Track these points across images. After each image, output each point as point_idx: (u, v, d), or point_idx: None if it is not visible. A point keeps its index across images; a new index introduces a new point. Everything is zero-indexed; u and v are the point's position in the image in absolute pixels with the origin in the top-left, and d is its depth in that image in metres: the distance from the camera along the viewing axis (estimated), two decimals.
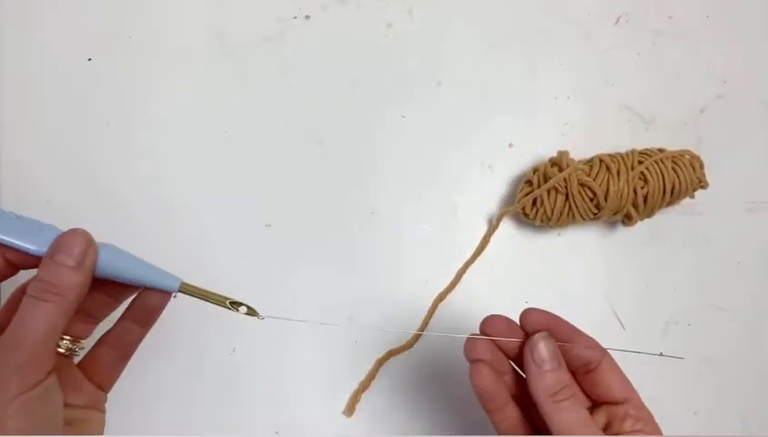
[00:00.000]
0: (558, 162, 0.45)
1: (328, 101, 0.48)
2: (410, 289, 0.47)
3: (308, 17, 0.49)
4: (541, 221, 0.46)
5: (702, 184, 0.47)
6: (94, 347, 0.34)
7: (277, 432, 0.45)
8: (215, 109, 0.48)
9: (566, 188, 0.44)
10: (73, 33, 0.47)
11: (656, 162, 0.45)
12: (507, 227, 0.49)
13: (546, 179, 0.45)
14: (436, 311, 0.47)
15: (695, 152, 0.47)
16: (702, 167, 0.47)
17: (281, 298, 0.44)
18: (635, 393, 0.35)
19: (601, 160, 0.45)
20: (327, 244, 0.47)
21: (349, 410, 0.44)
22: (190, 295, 0.32)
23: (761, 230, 0.50)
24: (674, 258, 0.50)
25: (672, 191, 0.45)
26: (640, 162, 0.45)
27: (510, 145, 0.49)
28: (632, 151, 0.46)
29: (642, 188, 0.45)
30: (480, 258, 0.48)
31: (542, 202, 0.45)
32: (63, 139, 0.46)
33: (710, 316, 0.49)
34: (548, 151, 0.48)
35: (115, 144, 0.46)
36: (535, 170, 0.46)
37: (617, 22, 0.51)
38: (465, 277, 0.48)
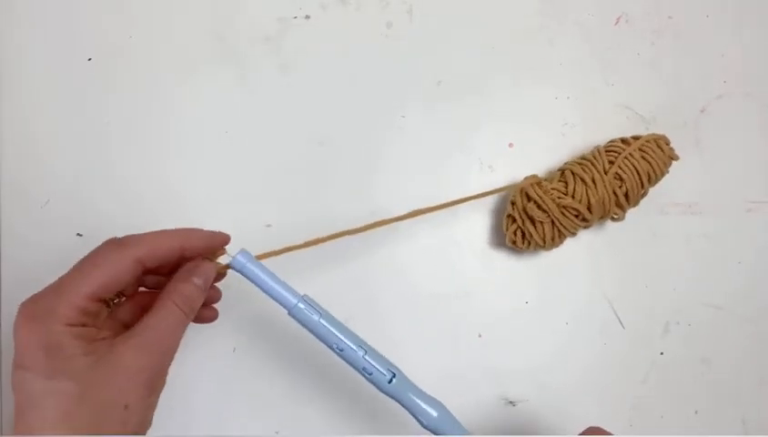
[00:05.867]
0: (529, 195, 0.45)
1: (328, 101, 0.48)
2: (410, 289, 0.47)
3: (308, 17, 0.49)
4: (535, 249, 0.46)
5: (674, 158, 0.47)
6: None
7: (277, 432, 0.45)
8: (215, 109, 0.48)
9: (548, 215, 0.44)
10: (73, 33, 0.47)
11: (626, 158, 0.45)
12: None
13: (525, 211, 0.45)
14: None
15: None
16: (668, 143, 0.47)
17: None
18: None
19: (573, 173, 0.45)
20: (326, 244, 0.47)
21: None
22: None
23: (761, 230, 0.50)
24: (674, 258, 0.50)
25: (649, 180, 0.46)
26: (611, 162, 0.45)
27: (510, 145, 0.49)
28: (599, 151, 0.46)
29: (621, 187, 0.45)
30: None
31: (531, 235, 0.45)
32: (63, 139, 0.46)
33: (710, 316, 0.49)
34: (548, 151, 0.48)
35: (115, 144, 0.46)
36: (513, 203, 0.46)
37: (617, 22, 0.51)
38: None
